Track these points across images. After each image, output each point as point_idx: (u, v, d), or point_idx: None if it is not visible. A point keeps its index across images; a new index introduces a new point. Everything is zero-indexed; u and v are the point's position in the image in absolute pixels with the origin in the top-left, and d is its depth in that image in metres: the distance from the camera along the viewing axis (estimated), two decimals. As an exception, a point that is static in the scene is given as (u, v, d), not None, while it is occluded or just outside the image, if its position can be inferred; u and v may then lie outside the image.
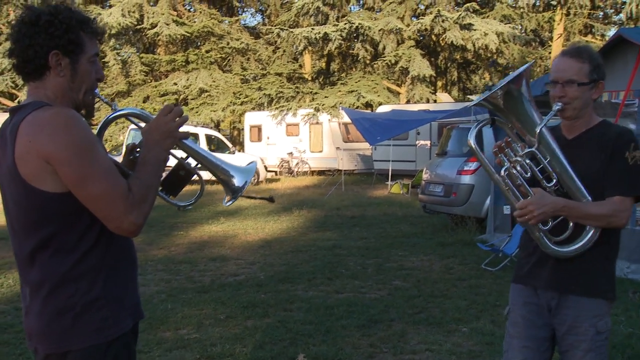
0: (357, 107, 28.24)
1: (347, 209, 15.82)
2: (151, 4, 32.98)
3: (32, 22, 2.14)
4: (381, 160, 24.13)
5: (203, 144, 23.23)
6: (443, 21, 27.98)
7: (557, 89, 2.75)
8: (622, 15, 29.71)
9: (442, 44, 30.58)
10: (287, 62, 35.20)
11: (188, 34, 32.76)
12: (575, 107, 2.76)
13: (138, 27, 31.81)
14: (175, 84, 32.74)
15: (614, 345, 5.38)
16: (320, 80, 35.17)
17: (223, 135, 29.06)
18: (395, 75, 31.75)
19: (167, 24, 31.72)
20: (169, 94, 33.22)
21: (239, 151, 26.70)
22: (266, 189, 21.46)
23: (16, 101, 32.67)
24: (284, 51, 34.77)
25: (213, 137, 24.18)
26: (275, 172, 28.01)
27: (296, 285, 7.73)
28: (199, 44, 35.31)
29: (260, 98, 31.24)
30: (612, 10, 34.27)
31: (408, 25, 29.75)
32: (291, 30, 30.65)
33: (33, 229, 2.12)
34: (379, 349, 5.44)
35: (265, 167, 24.94)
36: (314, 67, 37.05)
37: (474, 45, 28.60)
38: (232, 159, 23.41)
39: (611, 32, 32.66)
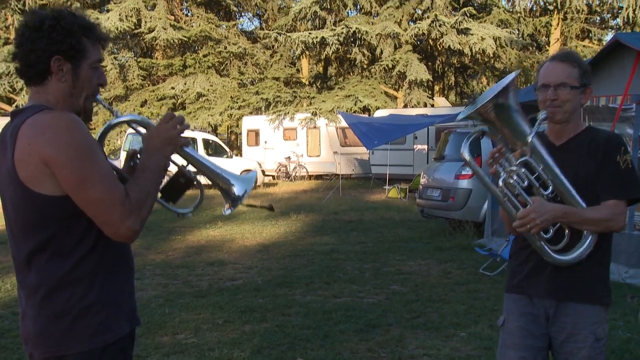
0: (354, 112, 28.27)
1: (345, 213, 15.82)
2: (149, 8, 32.97)
3: (35, 27, 2.14)
4: (379, 165, 24.16)
5: (200, 149, 23.22)
6: (440, 26, 28.03)
7: (549, 92, 2.74)
8: (619, 20, 29.82)
9: (440, 49, 30.64)
10: (285, 66, 35.23)
11: (185, 39, 32.77)
12: (567, 111, 2.76)
13: (135, 31, 31.80)
14: (173, 88, 32.73)
15: (612, 350, 5.38)
16: (318, 84, 35.19)
17: (220, 139, 29.07)
18: (392, 79, 31.77)
19: (165, 29, 31.72)
20: (166, 98, 33.21)
21: (237, 155, 26.70)
22: (264, 194, 21.44)
23: (14, 105, 32.65)
24: (282, 55, 34.80)
25: (210, 141, 24.17)
26: (273, 176, 28.01)
27: (294, 289, 7.72)
28: (196, 48, 35.31)
29: (257, 102, 31.26)
30: (609, 15, 34.37)
31: (405, 30, 29.79)
32: (288, 34, 30.68)
33: (31, 232, 2.12)
34: (376, 353, 5.44)
35: (263, 172, 24.93)
36: (311, 71, 37.09)
37: (471, 49, 28.66)
38: (230, 163, 23.43)
39: (608, 36, 32.75)
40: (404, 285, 7.92)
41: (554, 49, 30.91)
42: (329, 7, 30.94)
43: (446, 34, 28.30)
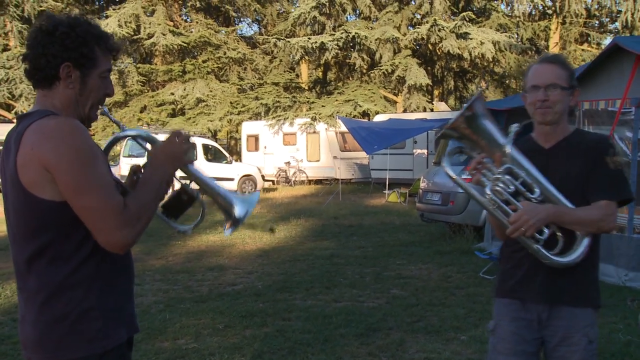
0: (354, 116, 28.28)
1: (345, 218, 15.82)
2: (148, 14, 33.02)
3: (48, 31, 2.15)
4: (378, 169, 24.17)
5: (200, 154, 23.23)
6: (439, 30, 28.07)
7: (540, 93, 2.74)
8: (618, 24, 29.84)
9: (439, 53, 30.67)
10: (284, 71, 35.28)
11: (185, 44, 32.80)
12: (557, 112, 2.77)
13: (135, 37, 31.84)
14: (172, 93, 32.75)
15: (612, 353, 5.38)
16: (317, 89, 35.21)
17: (220, 145, 29.08)
18: (392, 84, 31.81)
19: (164, 34, 31.76)
20: (166, 104, 33.24)
21: (236, 161, 26.72)
22: (264, 199, 21.44)
23: (13, 112, 32.66)
24: (281, 61, 34.85)
25: (210, 146, 24.19)
26: (273, 181, 28.02)
27: (294, 294, 7.72)
28: (195, 54, 35.34)
29: (257, 108, 31.29)
30: (607, 19, 34.40)
31: (404, 35, 29.84)
32: (288, 39, 30.72)
33: (31, 237, 2.12)
34: (377, 357, 5.44)
35: (263, 177, 24.95)
36: (310, 76, 37.12)
37: (470, 54, 28.69)
38: (229, 169, 23.45)
39: (607, 40, 32.79)
40: (404, 289, 7.92)
41: (553, 53, 30.93)
42: (328, 12, 30.97)
43: (445, 39, 28.33)
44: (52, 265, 2.11)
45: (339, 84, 35.39)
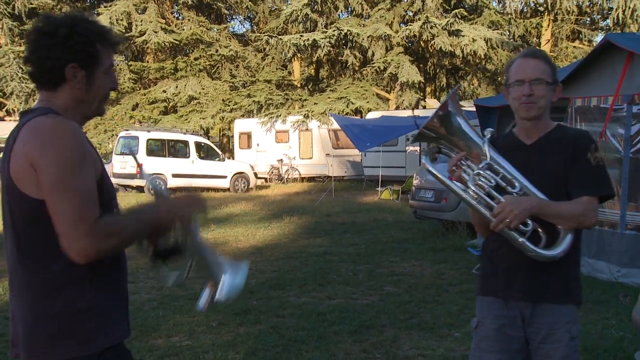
0: (346, 114, 28.30)
1: (338, 215, 15.83)
2: (139, 11, 32.94)
3: (49, 33, 2.13)
4: (371, 167, 24.18)
5: (193, 152, 23.19)
6: (431, 27, 28.08)
7: (525, 87, 2.73)
8: (609, 21, 29.94)
9: (431, 50, 30.69)
10: (276, 69, 35.25)
11: (177, 42, 32.75)
12: (541, 107, 2.76)
13: (126, 34, 31.76)
14: (164, 91, 32.71)
15: (605, 349, 5.40)
16: (310, 87, 35.21)
17: (213, 142, 29.05)
18: (384, 81, 31.83)
19: (156, 32, 31.70)
20: (158, 101, 33.19)
21: (229, 158, 26.69)
22: (256, 196, 21.43)
23: (4, 110, 32.54)
24: (273, 58, 34.81)
25: (203, 144, 24.16)
26: (265, 179, 28.01)
27: (288, 291, 7.72)
28: (187, 51, 35.30)
29: (249, 105, 31.26)
30: (599, 16, 34.52)
31: (397, 32, 29.85)
32: (280, 37, 30.69)
33: (22, 234, 2.11)
34: (371, 354, 5.44)
35: (255, 174, 24.94)
36: (303, 73, 37.10)
37: (462, 51, 28.73)
38: (222, 166, 23.41)
39: (598, 37, 32.90)
40: (397, 287, 7.93)
41: (544, 50, 30.99)
42: (320, 9, 30.95)
43: (437, 36, 28.36)
44: (41, 263, 2.08)
45: (331, 82, 35.40)
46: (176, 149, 23.66)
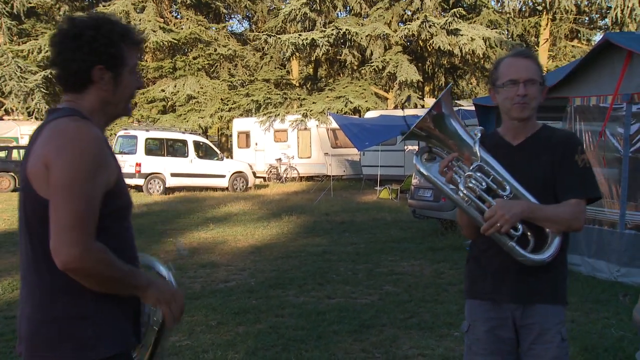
0: (345, 113, 28.27)
1: (337, 214, 15.82)
2: (138, 11, 32.90)
3: (75, 36, 2.12)
4: (370, 166, 24.18)
5: (191, 151, 23.17)
6: (430, 27, 28.06)
7: (519, 88, 2.70)
8: (608, 20, 29.93)
9: (429, 49, 30.67)
10: (275, 68, 35.21)
11: (175, 41, 32.72)
12: (533, 107, 2.75)
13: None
14: (163, 90, 32.68)
15: (605, 348, 5.40)
16: (308, 86, 35.17)
17: (211, 141, 29.04)
18: (382, 80, 31.82)
19: (154, 31, 31.64)
20: (156, 100, 33.17)
21: (227, 157, 26.67)
22: (255, 196, 21.42)
23: (2, 109, 32.50)
24: (272, 57, 34.77)
25: (201, 143, 24.13)
26: (264, 178, 28.00)
27: (287, 291, 7.71)
28: (186, 50, 35.27)
29: (248, 104, 31.23)
30: (597, 15, 34.52)
31: (395, 31, 29.83)
32: (278, 36, 30.65)
33: (35, 233, 2.09)
34: (371, 354, 5.44)
35: (254, 174, 24.93)
36: (301, 73, 37.07)
37: (461, 50, 28.71)
38: (220, 165, 23.39)
39: (597, 36, 32.91)
40: (397, 286, 7.93)
41: (543, 49, 31.06)
42: (318, 8, 30.91)
43: (436, 35, 28.33)
44: (50, 264, 2.04)
45: (329, 81, 35.37)
46: (175, 148, 23.64)
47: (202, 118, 31.74)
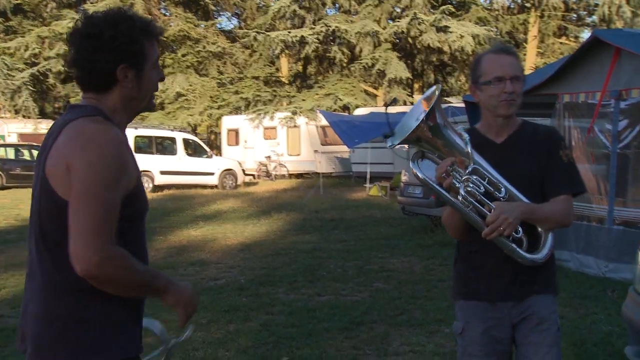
0: (334, 110, 28.29)
1: (326, 211, 15.82)
2: (126, 7, 32.75)
3: (95, 36, 2.07)
4: (359, 163, 24.18)
5: (180, 149, 23.11)
6: (419, 24, 28.13)
7: (507, 84, 2.67)
8: (595, 17, 30.08)
9: (419, 47, 30.70)
10: (264, 65, 35.16)
11: (164, 38, 32.47)
12: (518, 104, 2.73)
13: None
14: (152, 88, 32.53)
15: (594, 343, 5.43)
16: (298, 83, 35.18)
17: (200, 139, 28.95)
18: (372, 77, 31.84)
19: (143, 28, 31.51)
20: (145, 98, 33.01)
21: (217, 155, 26.62)
22: (245, 193, 21.40)
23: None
24: (261, 55, 34.72)
25: (190, 141, 24.09)
26: (253, 175, 27.96)
27: (277, 288, 7.71)
28: (175, 48, 35.13)
29: (237, 102, 31.21)
30: (585, 13, 34.65)
31: (384, 28, 29.87)
32: (268, 33, 30.63)
33: (47, 232, 2.06)
34: (362, 351, 5.45)
35: (244, 171, 24.89)
36: (290, 70, 37.06)
37: (450, 47, 28.80)
38: (210, 163, 23.34)
39: (584, 34, 33.07)
40: (387, 283, 7.94)
41: (531, 46, 31.18)
42: (308, 5, 30.93)
43: (425, 32, 28.40)
44: (58, 264, 2.03)
45: (319, 78, 35.39)
46: (164, 146, 23.58)
47: (191, 116, 31.67)
